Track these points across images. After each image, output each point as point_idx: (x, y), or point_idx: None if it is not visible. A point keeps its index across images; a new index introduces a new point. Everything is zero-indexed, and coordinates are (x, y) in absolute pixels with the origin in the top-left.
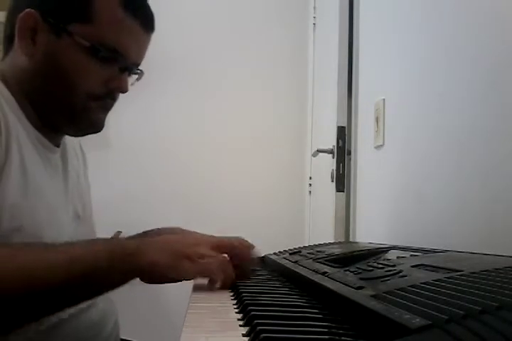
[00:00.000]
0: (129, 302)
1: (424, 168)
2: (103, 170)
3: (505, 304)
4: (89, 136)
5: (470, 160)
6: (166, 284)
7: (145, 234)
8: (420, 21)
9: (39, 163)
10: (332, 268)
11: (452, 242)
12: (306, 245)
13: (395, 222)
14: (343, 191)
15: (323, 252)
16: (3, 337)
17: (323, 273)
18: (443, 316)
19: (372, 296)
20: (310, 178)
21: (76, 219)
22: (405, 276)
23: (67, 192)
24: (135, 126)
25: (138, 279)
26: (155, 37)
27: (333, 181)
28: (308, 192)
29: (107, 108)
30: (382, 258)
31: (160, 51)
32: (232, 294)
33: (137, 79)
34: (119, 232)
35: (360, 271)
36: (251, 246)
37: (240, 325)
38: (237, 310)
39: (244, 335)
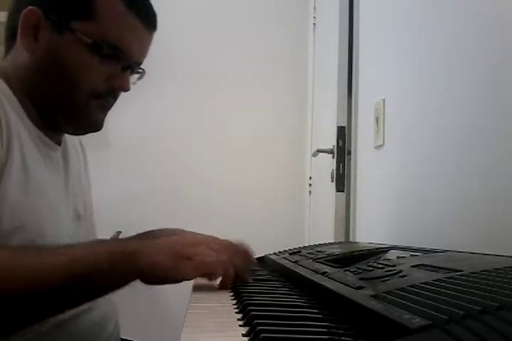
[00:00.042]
0: (129, 302)
1: (424, 168)
2: (103, 170)
3: (505, 304)
4: (89, 136)
5: (470, 160)
6: (166, 285)
7: (145, 234)
8: (420, 21)
9: (40, 161)
10: (332, 268)
11: (452, 242)
12: (306, 245)
13: (395, 222)
14: (343, 191)
15: (323, 252)
16: (4, 339)
17: (323, 273)
18: (443, 316)
19: (372, 296)
20: (310, 178)
21: (76, 218)
22: (405, 276)
23: (67, 191)
24: (135, 126)
25: (139, 281)
26: (155, 37)
27: (333, 181)
28: (308, 192)
29: (107, 106)
30: (382, 258)
31: (160, 51)
32: (232, 294)
33: (139, 78)
34: (119, 232)
35: (360, 271)
36: (248, 248)
37: (240, 325)
38: (237, 310)
39: (244, 335)
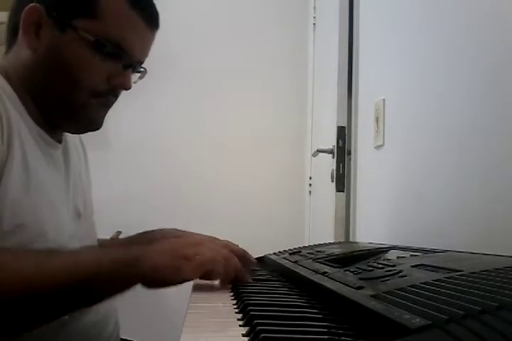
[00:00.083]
0: (129, 302)
1: (424, 168)
2: (103, 170)
3: (505, 304)
4: (89, 135)
5: (470, 160)
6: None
7: (144, 234)
8: (420, 21)
9: (41, 159)
10: (332, 268)
11: (452, 242)
12: (306, 245)
13: (395, 222)
14: (343, 191)
15: (323, 252)
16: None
17: (323, 273)
18: (443, 316)
19: (372, 296)
20: (310, 178)
21: (77, 217)
22: (405, 276)
23: (68, 189)
24: (135, 125)
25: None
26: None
27: (333, 181)
28: (308, 192)
29: (107, 105)
30: (382, 258)
31: (160, 51)
32: (232, 294)
33: (140, 77)
34: (119, 232)
35: (360, 271)
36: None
37: (240, 325)
38: (237, 310)
39: (244, 335)
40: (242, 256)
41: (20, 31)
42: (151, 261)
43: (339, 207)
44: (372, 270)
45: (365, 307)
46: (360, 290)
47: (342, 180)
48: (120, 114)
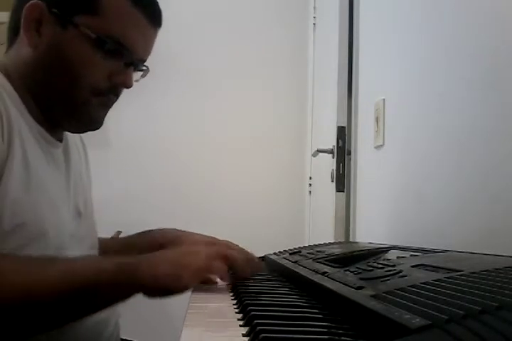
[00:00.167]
0: (130, 302)
1: (424, 168)
2: (103, 169)
3: (505, 304)
4: (90, 135)
5: (470, 160)
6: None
7: (143, 233)
8: (420, 21)
9: (41, 157)
10: (332, 268)
11: (452, 242)
12: (306, 245)
13: (395, 222)
14: (343, 191)
15: (323, 252)
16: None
17: (323, 273)
18: (443, 316)
19: (372, 296)
20: (310, 178)
21: (77, 216)
22: (405, 276)
23: (69, 188)
24: (135, 125)
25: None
26: None
27: (333, 181)
28: (308, 192)
29: (108, 104)
30: (382, 258)
31: (160, 51)
32: (232, 294)
33: (142, 76)
34: (119, 232)
35: (360, 271)
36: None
37: (240, 325)
38: (237, 310)
39: (244, 335)
40: (244, 255)
41: (21, 28)
42: (151, 270)
43: (339, 207)
44: (372, 270)
45: (365, 307)
46: (360, 290)
47: (342, 180)
48: (120, 113)
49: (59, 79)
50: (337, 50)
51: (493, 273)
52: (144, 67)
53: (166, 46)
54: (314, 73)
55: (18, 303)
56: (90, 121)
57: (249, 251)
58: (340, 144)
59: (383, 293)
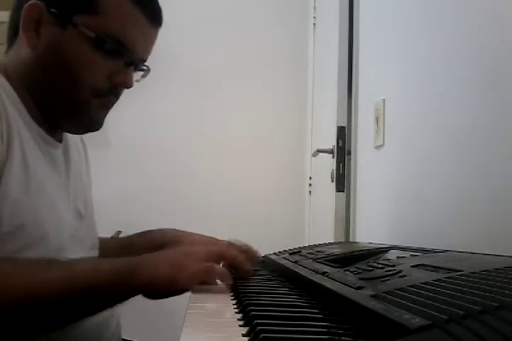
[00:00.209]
0: (130, 302)
1: (424, 168)
2: (103, 169)
3: (505, 304)
4: (90, 135)
5: (470, 160)
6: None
7: (143, 233)
8: (420, 21)
9: (41, 158)
10: (332, 268)
11: (452, 242)
12: (306, 245)
13: (395, 222)
14: (343, 191)
15: (323, 252)
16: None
17: (323, 273)
18: (443, 316)
19: (372, 296)
20: (310, 178)
21: (77, 216)
22: (405, 276)
23: (68, 189)
24: (135, 125)
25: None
26: None
27: (333, 181)
28: (308, 192)
29: (108, 105)
30: (382, 258)
31: (160, 51)
32: (232, 294)
33: (143, 76)
34: (119, 232)
35: (360, 271)
36: (249, 250)
37: (240, 325)
38: (237, 310)
39: (244, 335)
40: (246, 251)
41: (20, 29)
42: (150, 272)
43: (339, 207)
44: (372, 270)
45: (365, 307)
46: (360, 290)
47: (342, 180)
48: (120, 113)
49: (58, 80)
50: (337, 50)
51: (493, 273)
52: (145, 67)
53: (166, 46)
54: (314, 73)
55: (21, 305)
56: (90, 122)
57: (252, 248)
58: (340, 144)
59: (383, 293)
